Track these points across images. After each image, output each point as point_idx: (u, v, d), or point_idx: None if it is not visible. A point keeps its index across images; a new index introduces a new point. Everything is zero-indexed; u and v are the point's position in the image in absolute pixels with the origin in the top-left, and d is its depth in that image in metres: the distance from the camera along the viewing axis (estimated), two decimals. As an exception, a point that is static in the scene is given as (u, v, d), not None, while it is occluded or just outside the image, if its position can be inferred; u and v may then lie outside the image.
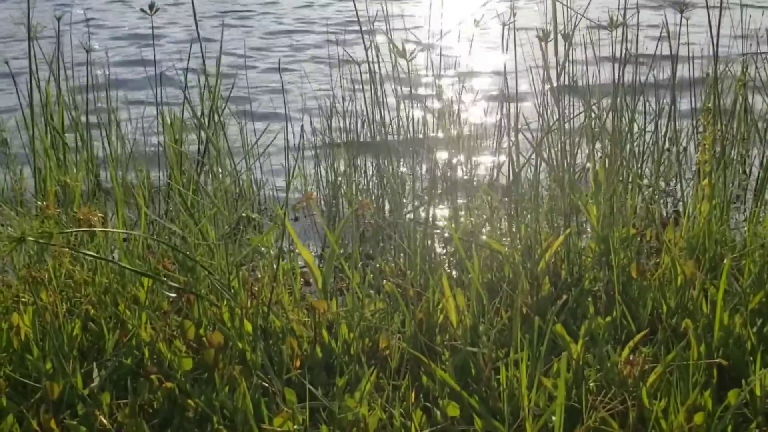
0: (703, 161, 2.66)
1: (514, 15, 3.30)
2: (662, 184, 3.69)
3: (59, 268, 2.44)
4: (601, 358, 2.02)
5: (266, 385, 2.01)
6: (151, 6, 3.23)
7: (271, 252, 2.52)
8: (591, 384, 1.97)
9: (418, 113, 3.83)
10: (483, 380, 2.01)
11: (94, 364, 2.12)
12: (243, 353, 2.15)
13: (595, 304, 2.36)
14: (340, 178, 3.73)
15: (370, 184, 3.73)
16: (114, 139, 3.76)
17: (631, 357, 1.98)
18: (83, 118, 3.84)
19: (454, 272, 2.60)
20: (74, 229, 2.29)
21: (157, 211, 3.45)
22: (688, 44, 3.80)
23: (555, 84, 2.61)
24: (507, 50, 3.27)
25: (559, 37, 2.60)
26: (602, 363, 2.01)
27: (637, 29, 3.09)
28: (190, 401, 1.99)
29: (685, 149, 4.22)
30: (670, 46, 3.55)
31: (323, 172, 3.96)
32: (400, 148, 3.45)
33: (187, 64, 3.67)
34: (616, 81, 2.79)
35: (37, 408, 1.94)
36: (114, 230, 2.44)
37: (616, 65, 2.83)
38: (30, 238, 1.99)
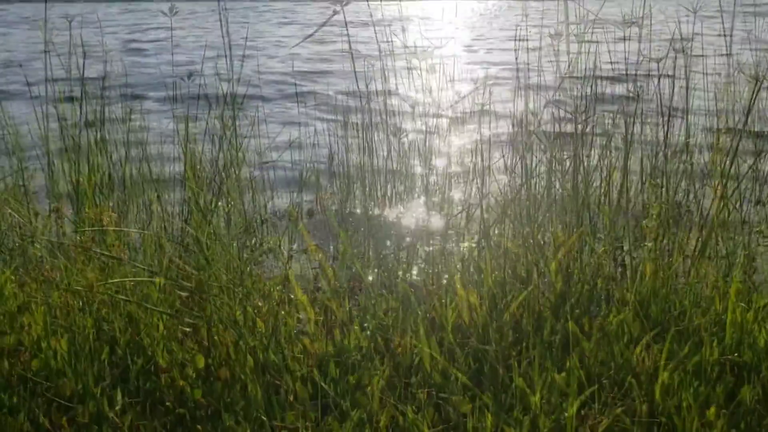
0: (716, 161, 2.65)
1: (526, 16, 3.30)
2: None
3: (72, 268, 2.44)
4: (614, 356, 2.01)
5: (278, 382, 2.01)
6: (171, 9, 3.36)
7: (284, 252, 2.52)
8: (604, 381, 1.96)
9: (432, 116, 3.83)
10: (496, 377, 2.00)
11: (106, 362, 2.12)
12: (255, 351, 2.15)
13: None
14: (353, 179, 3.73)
15: (387, 186, 3.73)
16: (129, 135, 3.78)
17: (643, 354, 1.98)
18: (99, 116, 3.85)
19: (467, 272, 2.59)
20: (88, 228, 2.30)
21: (172, 210, 3.45)
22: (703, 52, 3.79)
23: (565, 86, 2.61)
24: (519, 53, 3.27)
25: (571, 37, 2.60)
26: (615, 360, 2.00)
27: (650, 26, 3.08)
28: (202, 399, 2.00)
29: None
30: (683, 48, 3.54)
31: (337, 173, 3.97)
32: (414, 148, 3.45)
33: (201, 66, 3.68)
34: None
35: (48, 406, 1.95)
36: (128, 230, 2.45)
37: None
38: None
